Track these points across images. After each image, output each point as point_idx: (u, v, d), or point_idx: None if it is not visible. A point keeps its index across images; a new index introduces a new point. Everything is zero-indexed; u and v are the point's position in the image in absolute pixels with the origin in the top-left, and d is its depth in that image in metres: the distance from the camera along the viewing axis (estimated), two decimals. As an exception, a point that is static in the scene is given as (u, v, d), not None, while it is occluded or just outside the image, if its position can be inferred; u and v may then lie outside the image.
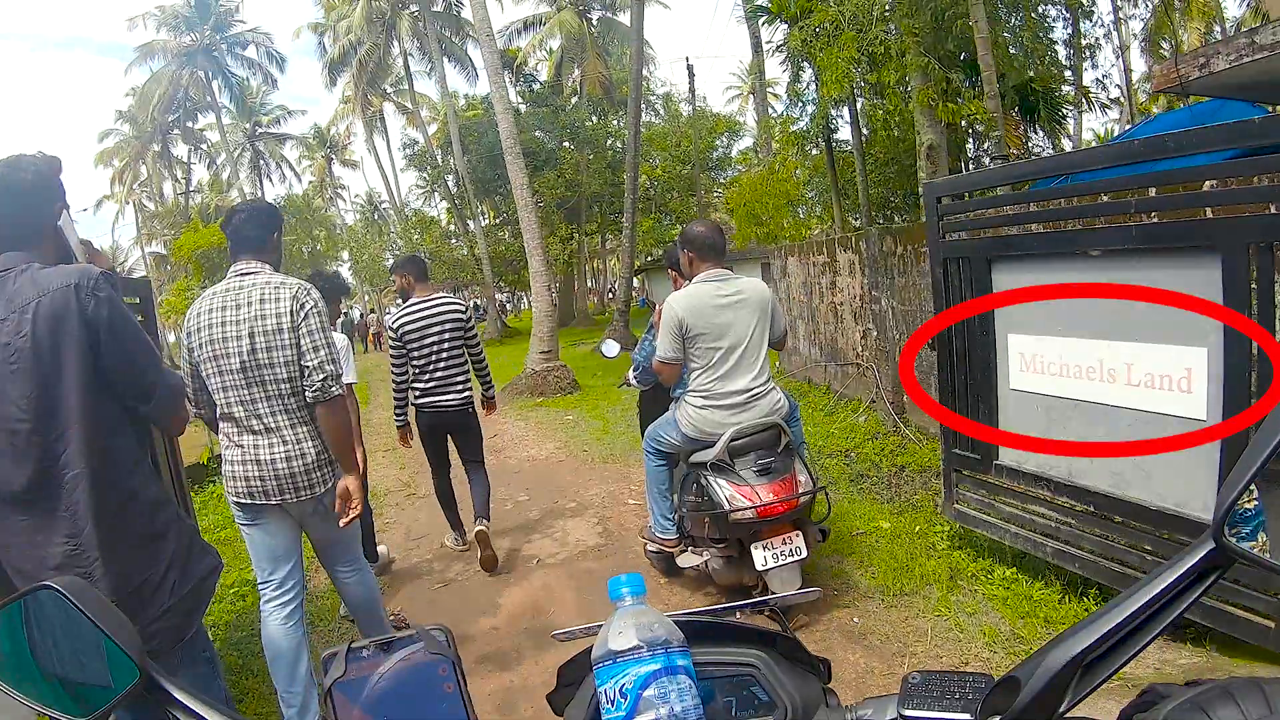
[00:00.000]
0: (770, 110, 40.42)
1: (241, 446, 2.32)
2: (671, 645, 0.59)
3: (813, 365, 7.78)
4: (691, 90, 19.50)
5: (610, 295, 40.77)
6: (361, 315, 36.01)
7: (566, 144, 23.62)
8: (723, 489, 2.88)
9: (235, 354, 2.25)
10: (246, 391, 2.28)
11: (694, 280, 3.05)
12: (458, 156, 22.68)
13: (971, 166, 10.98)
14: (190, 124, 33.28)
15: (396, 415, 4.16)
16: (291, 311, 2.26)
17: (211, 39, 28.68)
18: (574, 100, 25.32)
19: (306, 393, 2.29)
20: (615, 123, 24.64)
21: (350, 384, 3.47)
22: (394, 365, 4.00)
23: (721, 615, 0.71)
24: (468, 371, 4.07)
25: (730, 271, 3.13)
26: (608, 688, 0.58)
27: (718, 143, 25.55)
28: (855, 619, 2.97)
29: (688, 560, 3.21)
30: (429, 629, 0.69)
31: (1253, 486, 0.45)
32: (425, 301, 3.95)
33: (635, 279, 21.59)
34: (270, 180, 37.58)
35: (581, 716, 0.66)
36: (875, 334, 6.01)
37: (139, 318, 1.94)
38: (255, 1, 59.04)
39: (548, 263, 10.23)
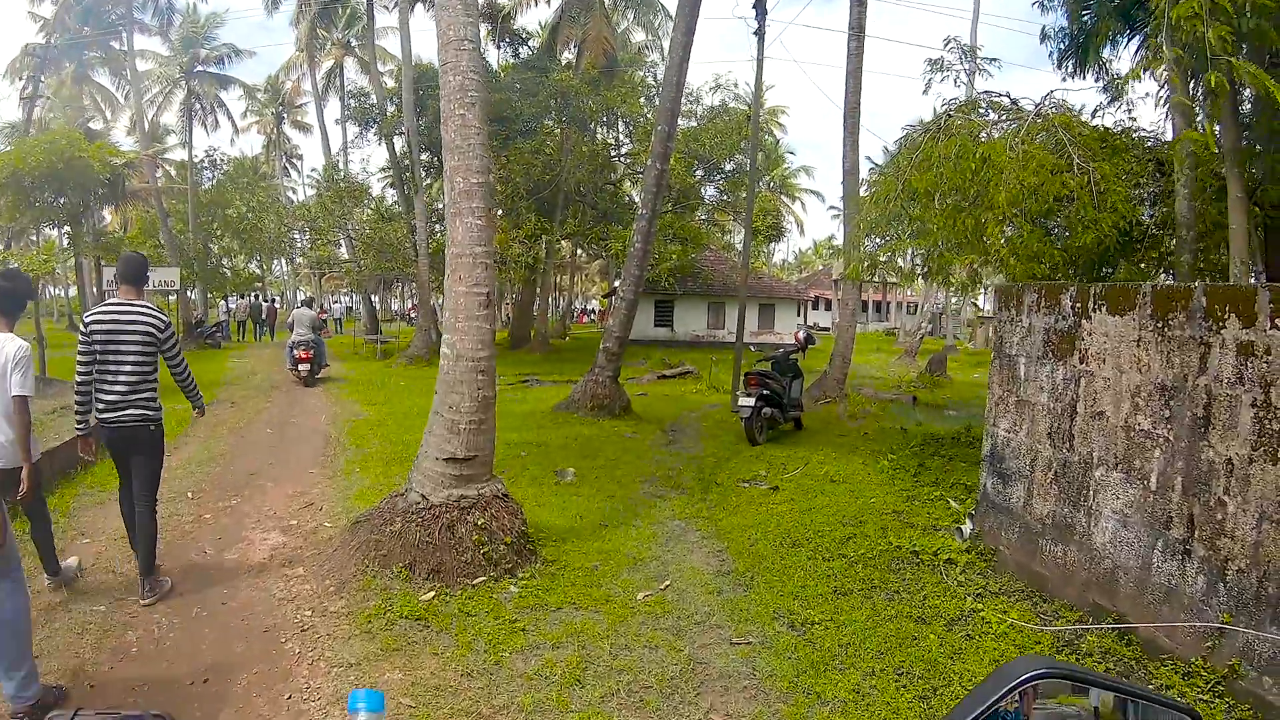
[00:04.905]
0: (770, 137, 35.42)
1: None
2: None
3: (1155, 601, 3.31)
4: (760, 35, 11.66)
5: (589, 317, 34.09)
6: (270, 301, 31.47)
7: (550, 120, 18.56)
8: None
9: None
10: None
11: None
12: (407, 111, 17.43)
13: None
14: (115, 44, 26.76)
15: (78, 421, 3.89)
16: None
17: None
18: (569, 74, 20.38)
19: None
20: (614, 113, 19.56)
21: (25, 396, 3.25)
22: (80, 364, 3.80)
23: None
24: (154, 387, 3.93)
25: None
26: None
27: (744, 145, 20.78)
28: None
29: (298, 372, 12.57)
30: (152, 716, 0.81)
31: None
32: (122, 305, 3.83)
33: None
34: (205, 127, 31.23)
35: None
36: None
37: None
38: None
39: (491, 216, 4.70)
